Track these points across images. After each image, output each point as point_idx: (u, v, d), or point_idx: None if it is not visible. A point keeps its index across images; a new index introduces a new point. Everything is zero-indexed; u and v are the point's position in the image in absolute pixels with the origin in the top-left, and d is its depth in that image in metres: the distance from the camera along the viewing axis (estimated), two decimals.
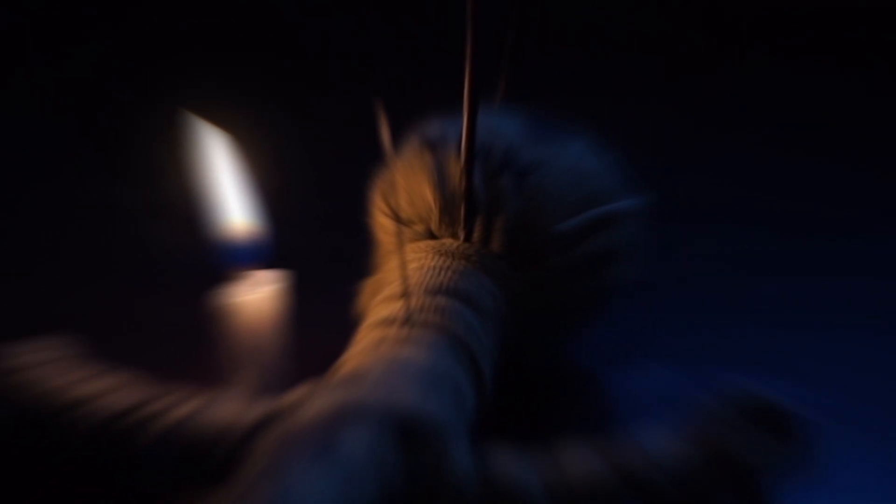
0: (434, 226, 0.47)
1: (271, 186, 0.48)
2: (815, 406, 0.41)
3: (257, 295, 0.46)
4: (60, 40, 0.93)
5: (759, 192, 0.69)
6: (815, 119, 0.83)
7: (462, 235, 0.46)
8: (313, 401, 0.39)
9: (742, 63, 0.95)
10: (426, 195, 0.47)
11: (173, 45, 0.89)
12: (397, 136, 0.47)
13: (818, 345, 0.53)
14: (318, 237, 0.57)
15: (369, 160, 0.47)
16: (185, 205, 0.49)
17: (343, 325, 0.47)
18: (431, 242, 0.47)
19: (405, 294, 0.44)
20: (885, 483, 0.44)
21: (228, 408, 0.41)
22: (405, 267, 0.45)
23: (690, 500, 0.40)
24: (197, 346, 0.49)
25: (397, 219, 0.47)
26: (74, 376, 0.43)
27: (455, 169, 0.46)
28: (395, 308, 0.44)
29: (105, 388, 0.42)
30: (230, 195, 0.47)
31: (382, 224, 0.49)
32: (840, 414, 0.47)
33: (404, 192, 0.47)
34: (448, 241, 0.47)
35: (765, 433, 0.40)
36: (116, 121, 0.77)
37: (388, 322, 0.44)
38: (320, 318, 0.49)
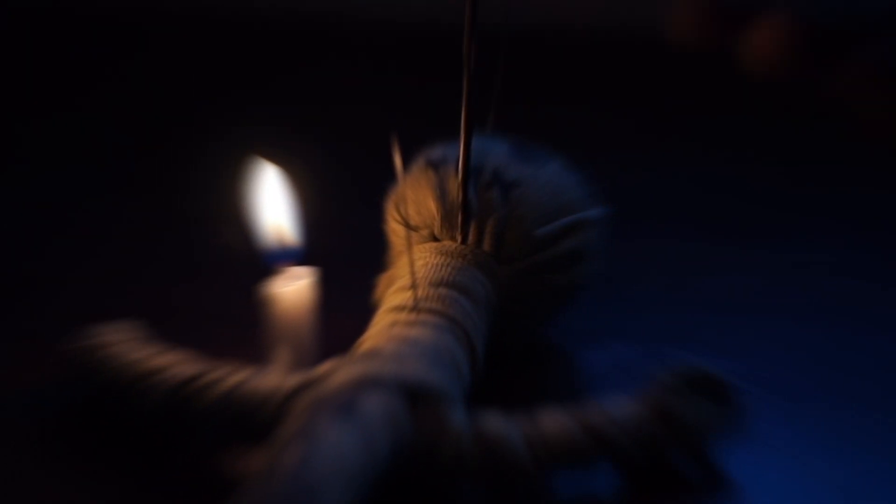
0: (436, 231, 0.47)
1: (306, 200, 0.48)
2: (745, 377, 0.43)
3: (294, 287, 0.46)
4: (137, 71, 0.92)
5: (704, 205, 0.70)
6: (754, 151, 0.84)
7: (459, 238, 0.47)
8: (339, 372, 0.40)
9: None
10: (430, 206, 0.47)
11: (228, 79, 0.89)
12: (407, 159, 0.48)
13: (748, 327, 0.53)
14: (343, 240, 0.57)
15: (384, 178, 0.48)
16: (239, 215, 0.49)
17: (362, 312, 0.47)
18: (434, 244, 0.47)
19: (413, 286, 0.45)
20: (802, 440, 0.44)
21: (271, 378, 0.42)
22: (413, 264, 0.46)
23: (644, 453, 0.40)
24: (246, 328, 0.50)
25: (407, 225, 0.48)
26: (146, 352, 0.44)
27: (453, 184, 0.47)
28: (405, 297, 0.44)
29: (171, 362, 0.43)
30: (275, 208, 0.48)
31: (395, 229, 0.49)
32: (765, 383, 0.47)
33: (412, 204, 0.48)
34: (448, 243, 0.47)
35: (705, 399, 0.41)
36: (186, 143, 0.76)
37: (399, 308, 0.44)
38: (344, 306, 0.49)
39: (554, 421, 0.40)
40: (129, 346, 0.44)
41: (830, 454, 0.43)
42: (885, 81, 0.30)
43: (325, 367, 0.41)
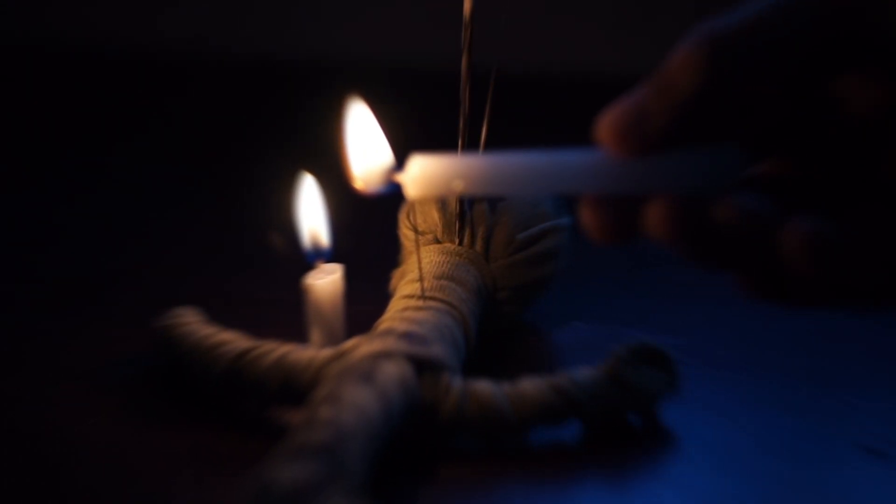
0: (439, 235, 0.48)
1: (335, 212, 0.48)
2: (682, 350, 0.43)
3: (326, 280, 0.46)
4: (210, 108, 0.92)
5: None
6: None
7: (457, 241, 0.47)
8: (361, 347, 0.41)
9: None
10: (434, 216, 0.48)
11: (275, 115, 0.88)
12: None
13: (685, 311, 0.52)
14: (365, 243, 0.56)
15: (398, 193, 0.48)
16: (285, 222, 0.49)
17: (380, 299, 0.47)
18: (437, 246, 0.47)
19: (420, 278, 0.45)
20: (726, 400, 0.44)
21: (308, 351, 0.42)
22: (420, 261, 0.46)
23: (602, 411, 0.41)
24: (288, 312, 0.50)
25: (415, 231, 0.48)
26: (210, 331, 0.44)
27: (452, 199, 0.47)
28: (414, 287, 0.45)
29: (230, 338, 0.43)
30: (310, 217, 0.48)
31: (406, 234, 0.49)
32: (698, 355, 0.47)
33: (420, 214, 0.48)
34: (448, 245, 0.47)
35: (651, 368, 0.41)
36: (237, 166, 0.75)
37: (409, 296, 0.44)
38: (365, 294, 0.49)
39: (531, 385, 0.40)
40: (197, 326, 0.44)
41: (749, 410, 0.44)
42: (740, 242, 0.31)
43: (351, 342, 0.42)
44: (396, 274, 0.49)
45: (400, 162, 0.36)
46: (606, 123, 0.32)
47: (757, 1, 0.31)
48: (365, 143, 0.40)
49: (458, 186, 0.34)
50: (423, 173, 0.34)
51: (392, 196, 0.38)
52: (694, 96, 0.31)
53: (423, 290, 0.44)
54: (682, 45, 0.31)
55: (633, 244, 0.33)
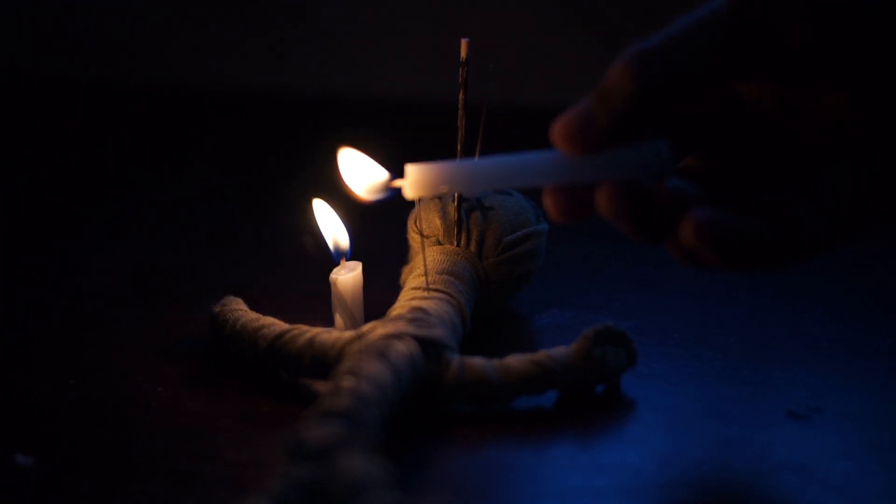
0: (441, 238, 0.47)
1: (356, 220, 0.48)
2: (639, 332, 0.44)
3: (347, 274, 0.46)
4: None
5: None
6: None
7: (455, 243, 0.47)
8: (377, 329, 0.40)
9: None
10: (436, 222, 0.47)
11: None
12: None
13: (641, 299, 0.51)
14: (379, 244, 0.55)
15: (406, 203, 0.45)
16: (312, 227, 0.49)
17: (392, 290, 0.47)
18: (439, 247, 0.47)
19: (425, 273, 0.44)
20: (675, 372, 0.43)
21: (334, 333, 0.42)
22: (425, 259, 0.45)
23: (574, 381, 0.40)
24: (316, 301, 0.49)
25: (421, 234, 0.47)
26: (253, 316, 0.44)
27: (451, 208, 0.46)
28: (420, 281, 0.44)
29: (269, 322, 0.43)
30: (332, 224, 0.48)
31: (413, 237, 0.48)
32: (652, 336, 0.47)
33: (425, 220, 0.47)
34: (448, 246, 0.47)
35: (613, 346, 0.41)
36: (270, 182, 0.74)
37: (416, 288, 0.44)
38: (380, 286, 0.49)
39: (516, 360, 0.40)
40: (243, 312, 0.44)
41: (693, 381, 0.44)
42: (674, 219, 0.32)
43: (369, 326, 0.41)
44: (405, 270, 0.48)
45: (395, 174, 0.38)
46: (558, 129, 0.33)
47: (679, 21, 0.32)
48: (360, 170, 0.41)
49: (444, 189, 0.36)
50: (416, 178, 0.35)
51: (393, 199, 0.39)
52: (628, 102, 0.32)
53: (427, 283, 0.44)
54: (616, 60, 0.32)
55: (586, 220, 0.34)
